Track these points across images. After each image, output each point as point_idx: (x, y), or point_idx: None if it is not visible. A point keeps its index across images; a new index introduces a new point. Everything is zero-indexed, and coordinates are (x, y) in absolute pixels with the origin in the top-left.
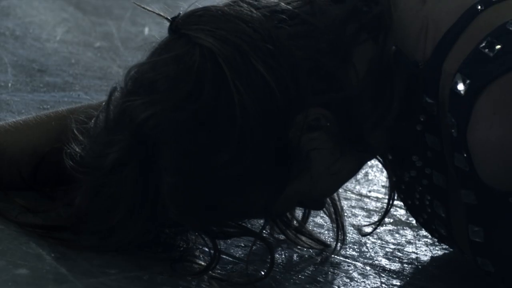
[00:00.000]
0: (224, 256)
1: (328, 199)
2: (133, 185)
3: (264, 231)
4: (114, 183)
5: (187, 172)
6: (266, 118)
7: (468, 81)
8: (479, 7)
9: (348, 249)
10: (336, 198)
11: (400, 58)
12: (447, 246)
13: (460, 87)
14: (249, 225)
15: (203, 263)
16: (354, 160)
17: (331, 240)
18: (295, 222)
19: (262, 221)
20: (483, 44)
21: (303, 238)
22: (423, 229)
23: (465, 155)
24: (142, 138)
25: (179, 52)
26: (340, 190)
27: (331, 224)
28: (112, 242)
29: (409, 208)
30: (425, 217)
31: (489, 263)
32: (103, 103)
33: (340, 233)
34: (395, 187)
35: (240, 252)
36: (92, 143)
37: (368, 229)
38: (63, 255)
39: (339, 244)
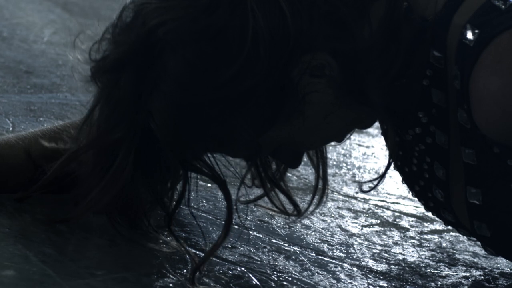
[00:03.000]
0: (212, 258)
1: (314, 153)
2: (129, 89)
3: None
4: (112, 84)
5: (185, 84)
6: (274, 47)
7: (477, 31)
8: None
9: (335, 250)
10: (324, 150)
11: (410, 14)
12: (441, 219)
13: (469, 37)
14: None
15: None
16: (349, 116)
17: (321, 241)
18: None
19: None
20: None
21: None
22: (410, 230)
23: (465, 107)
24: (150, 42)
25: None
26: (328, 191)
27: (318, 226)
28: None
29: (405, 177)
30: (422, 184)
31: (485, 227)
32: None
33: (322, 185)
34: (393, 154)
35: (227, 253)
36: (104, 45)
37: (367, 187)
38: (49, 256)
39: (313, 200)
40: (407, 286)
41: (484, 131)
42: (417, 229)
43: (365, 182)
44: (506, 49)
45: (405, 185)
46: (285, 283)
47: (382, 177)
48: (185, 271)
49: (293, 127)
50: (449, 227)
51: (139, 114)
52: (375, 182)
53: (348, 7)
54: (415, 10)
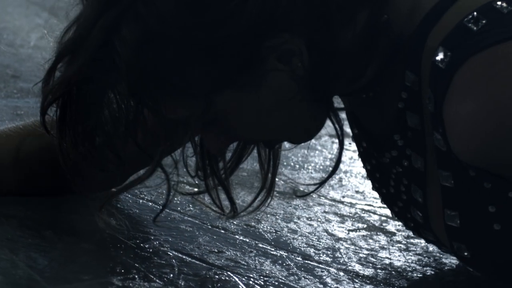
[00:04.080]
0: (198, 262)
1: (266, 159)
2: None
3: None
4: None
5: (164, 13)
6: (262, 10)
7: (449, 54)
8: None
9: (321, 255)
10: (279, 154)
11: (388, 28)
12: (422, 238)
13: (442, 59)
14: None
15: None
16: (299, 115)
17: (307, 247)
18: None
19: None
20: (468, 19)
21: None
22: (396, 234)
23: (440, 130)
24: None
25: None
26: (314, 195)
27: (305, 231)
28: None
29: (384, 198)
30: (400, 205)
31: (464, 248)
32: None
33: (267, 188)
34: (370, 176)
35: (213, 258)
36: None
37: (306, 189)
38: (36, 261)
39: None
40: None
41: (459, 155)
42: (403, 234)
43: (305, 184)
44: (478, 72)
45: (385, 205)
46: (271, 287)
47: (321, 184)
48: (171, 275)
49: (240, 101)
50: None
51: (107, 25)
52: (311, 188)
53: (339, 10)
54: (394, 24)
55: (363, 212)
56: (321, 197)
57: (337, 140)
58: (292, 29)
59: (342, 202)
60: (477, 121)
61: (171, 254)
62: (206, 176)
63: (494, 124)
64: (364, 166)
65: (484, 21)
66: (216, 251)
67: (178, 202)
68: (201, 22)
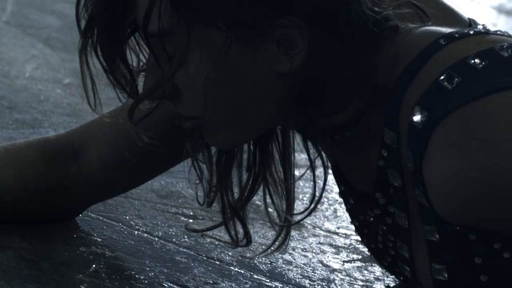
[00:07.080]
0: None
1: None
2: None
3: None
4: None
5: None
6: None
7: (426, 113)
8: (442, 41)
9: (316, 286)
10: (292, 192)
11: (374, 71)
12: None
13: (418, 119)
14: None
15: None
16: (263, 112)
17: (295, 273)
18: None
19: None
20: (443, 77)
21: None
22: None
23: (421, 188)
24: None
25: None
26: (309, 227)
27: (300, 262)
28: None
29: (373, 253)
30: (389, 260)
31: None
32: (74, 132)
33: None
34: (358, 231)
35: None
36: None
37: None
38: None
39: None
40: None
41: (441, 214)
42: None
43: (297, 214)
44: (453, 132)
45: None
46: None
47: (316, 205)
48: None
49: (234, 60)
50: None
51: None
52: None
53: (355, 45)
54: (378, 70)
55: (358, 243)
56: (316, 228)
57: (331, 171)
58: (308, 23)
59: (337, 233)
60: (456, 182)
61: (166, 285)
62: (224, 210)
63: (473, 184)
64: (352, 222)
65: (458, 79)
66: (211, 282)
67: (173, 233)
68: None
